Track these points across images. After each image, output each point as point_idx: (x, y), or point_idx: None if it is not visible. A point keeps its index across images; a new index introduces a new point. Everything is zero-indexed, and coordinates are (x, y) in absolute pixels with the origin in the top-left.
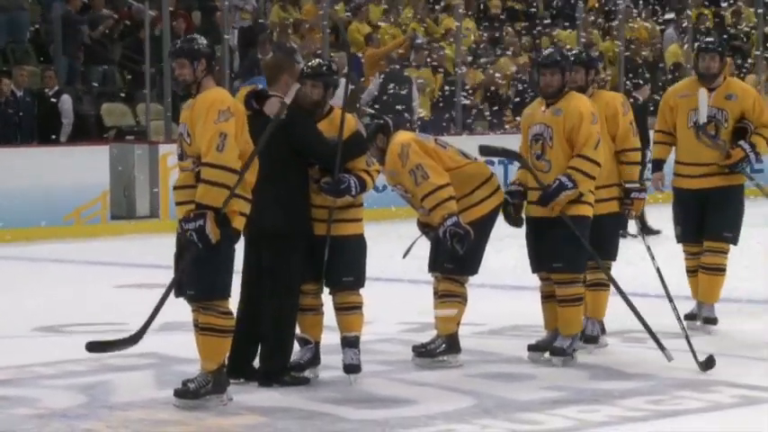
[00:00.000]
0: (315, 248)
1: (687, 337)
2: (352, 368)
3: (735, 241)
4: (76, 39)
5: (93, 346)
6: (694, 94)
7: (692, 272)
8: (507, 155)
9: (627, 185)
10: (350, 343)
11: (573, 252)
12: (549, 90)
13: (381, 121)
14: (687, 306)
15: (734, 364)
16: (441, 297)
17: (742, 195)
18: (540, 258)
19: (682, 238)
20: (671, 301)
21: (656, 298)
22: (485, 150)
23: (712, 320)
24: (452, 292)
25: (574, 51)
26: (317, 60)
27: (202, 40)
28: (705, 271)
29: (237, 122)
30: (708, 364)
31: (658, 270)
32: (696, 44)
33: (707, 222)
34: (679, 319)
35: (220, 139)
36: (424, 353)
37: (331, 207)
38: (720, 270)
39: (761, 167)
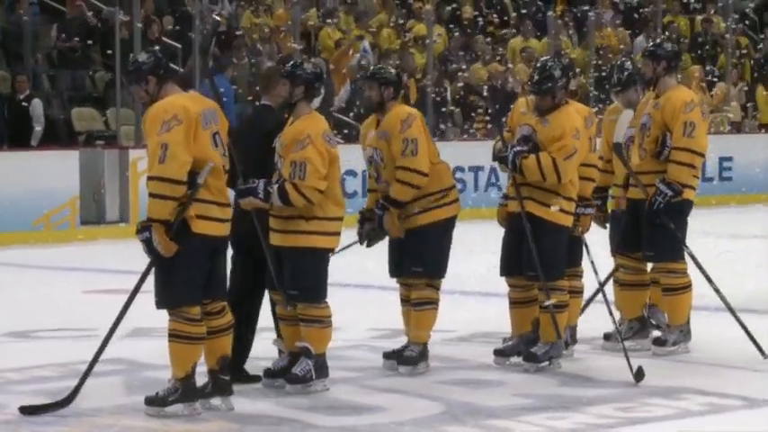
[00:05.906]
0: (271, 258)
1: (624, 349)
2: (290, 378)
3: (661, 257)
4: (41, 43)
5: (26, 409)
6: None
7: (617, 284)
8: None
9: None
10: (302, 352)
11: (545, 261)
12: (542, 108)
13: (396, 78)
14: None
15: (703, 372)
16: (416, 305)
17: (679, 209)
18: (510, 263)
19: (611, 249)
20: (611, 314)
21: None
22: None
23: (662, 342)
24: (429, 299)
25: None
26: (296, 60)
27: (143, 56)
28: (663, 293)
29: (189, 128)
30: (638, 375)
31: (600, 283)
32: None
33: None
34: (618, 331)
35: (162, 150)
36: (394, 358)
37: (275, 215)
38: (670, 290)
39: (729, 175)
